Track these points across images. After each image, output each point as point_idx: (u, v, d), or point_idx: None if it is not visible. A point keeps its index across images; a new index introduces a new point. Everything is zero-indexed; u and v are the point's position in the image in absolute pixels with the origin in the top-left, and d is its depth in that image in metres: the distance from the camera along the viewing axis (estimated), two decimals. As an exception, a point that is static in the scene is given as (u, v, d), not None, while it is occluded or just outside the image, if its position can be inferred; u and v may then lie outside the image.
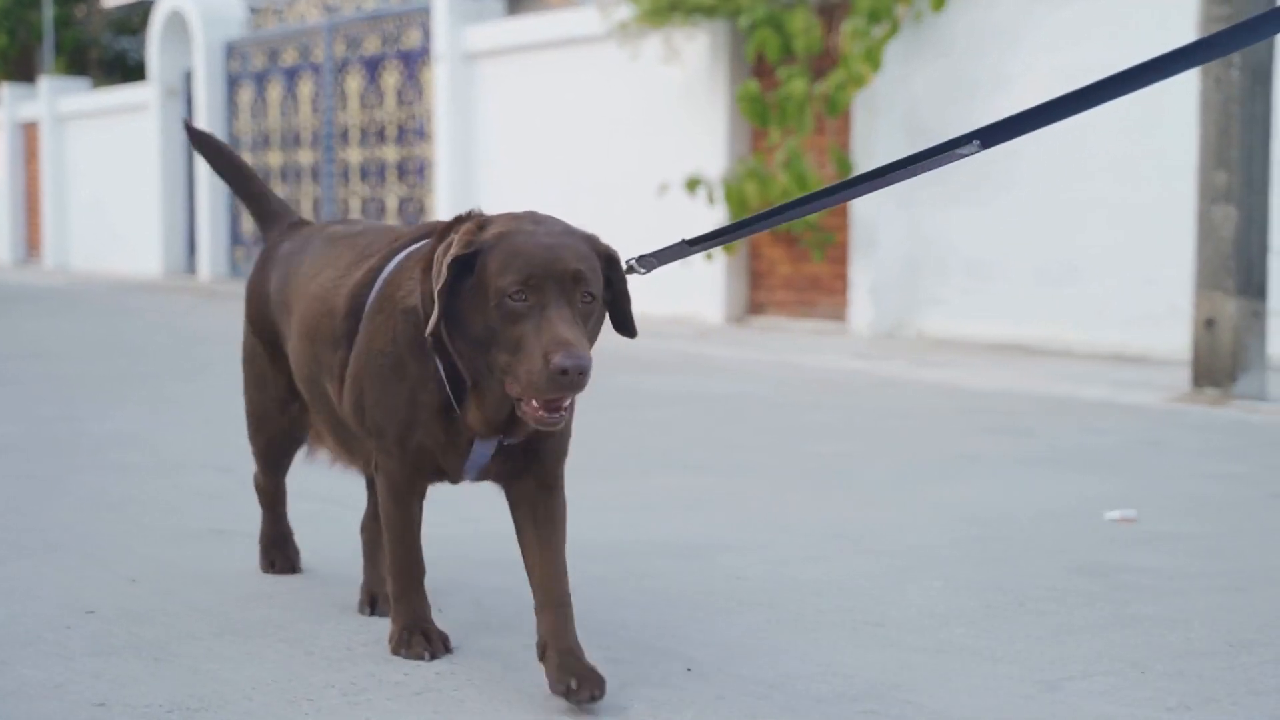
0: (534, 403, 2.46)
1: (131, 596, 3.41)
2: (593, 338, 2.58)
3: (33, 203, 25.13)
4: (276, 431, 3.46)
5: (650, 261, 2.83)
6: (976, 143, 2.53)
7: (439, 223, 2.84)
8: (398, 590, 2.91)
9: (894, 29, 10.75)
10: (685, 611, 3.31)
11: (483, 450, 2.74)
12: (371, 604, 3.26)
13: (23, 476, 4.99)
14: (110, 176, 22.14)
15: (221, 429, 6.05)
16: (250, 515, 4.37)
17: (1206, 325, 7.73)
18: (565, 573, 2.74)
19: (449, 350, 2.63)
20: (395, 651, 2.90)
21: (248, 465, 5.24)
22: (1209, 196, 7.70)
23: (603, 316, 2.63)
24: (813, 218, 11.29)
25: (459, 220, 2.68)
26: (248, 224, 19.21)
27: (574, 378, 2.38)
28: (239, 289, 17.28)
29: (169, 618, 3.22)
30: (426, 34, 15.85)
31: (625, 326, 2.72)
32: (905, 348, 10.34)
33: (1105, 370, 8.82)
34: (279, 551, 3.65)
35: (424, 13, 15.84)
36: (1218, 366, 7.69)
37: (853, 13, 10.85)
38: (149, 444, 5.74)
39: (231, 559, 3.81)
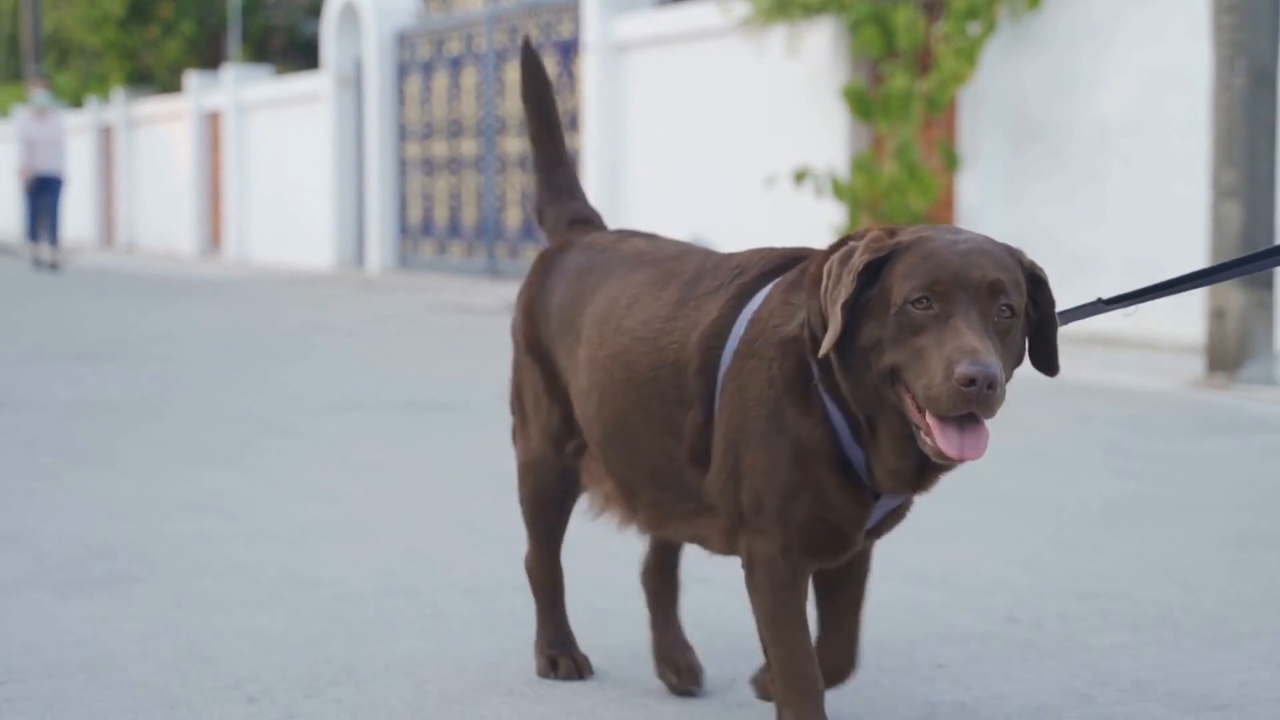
0: (935, 432, 2.43)
1: (139, 489, 5.63)
2: (1011, 361, 2.54)
3: (215, 194, 28.13)
4: (549, 477, 3.30)
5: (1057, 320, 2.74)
6: None
7: (800, 249, 2.85)
8: (797, 709, 2.73)
9: (990, 27, 12.48)
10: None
11: (882, 508, 2.72)
12: (677, 672, 3.22)
13: (102, 423, 7.27)
14: (288, 167, 24.92)
15: (274, 393, 8.33)
16: (251, 447, 6.55)
17: (1217, 315, 9.36)
18: (858, 642, 3.00)
19: (838, 380, 2.59)
20: None
21: (279, 415, 7.49)
22: (1218, 193, 9.34)
23: (1024, 339, 2.58)
24: (922, 209, 13.07)
25: (837, 246, 2.66)
26: (414, 215, 21.68)
27: (981, 390, 2.35)
28: (403, 280, 19.75)
29: (153, 500, 5.41)
30: (579, 24, 18.04)
31: (1047, 359, 2.65)
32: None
33: (1152, 360, 10.44)
34: (562, 652, 3.40)
35: (578, 3, 18.02)
36: (1226, 354, 9.31)
37: (947, 14, 12.61)
38: (213, 404, 7.99)
39: (221, 475, 5.97)
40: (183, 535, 4.85)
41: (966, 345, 2.37)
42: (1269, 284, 9.30)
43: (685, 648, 3.27)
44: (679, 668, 3.21)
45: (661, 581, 3.32)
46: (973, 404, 2.35)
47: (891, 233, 2.57)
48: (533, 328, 3.30)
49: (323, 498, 5.52)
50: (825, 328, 2.55)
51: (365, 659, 3.53)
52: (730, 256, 2.94)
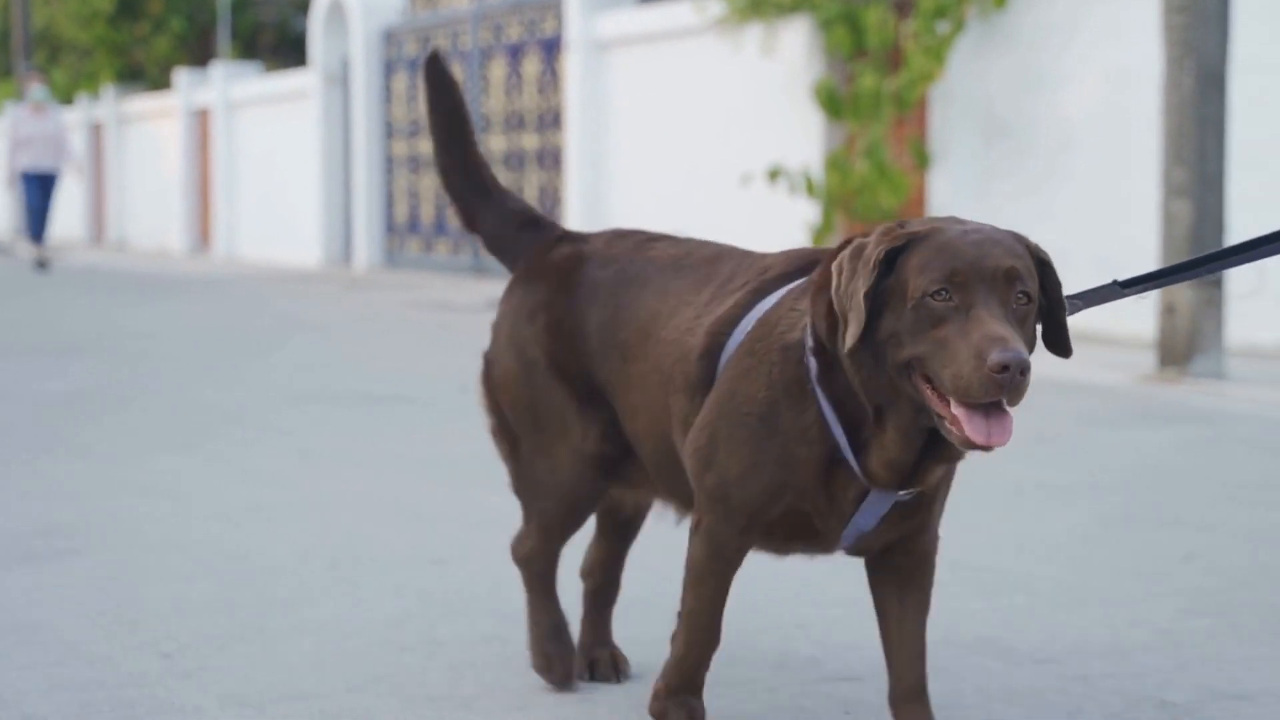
0: (962, 421, 2.49)
1: (96, 474, 6.03)
2: (1029, 347, 2.60)
3: (205, 191, 28.52)
4: (584, 495, 3.26)
5: (1075, 304, 2.83)
6: None
7: (818, 250, 2.95)
8: (684, 656, 2.98)
9: (958, 26, 12.85)
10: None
11: (874, 509, 2.76)
12: (591, 669, 3.37)
13: (75, 413, 7.69)
14: (277, 164, 25.32)
15: (245, 387, 8.75)
16: (211, 437, 6.94)
17: (1168, 311, 9.73)
18: (924, 656, 2.93)
19: (848, 374, 2.65)
20: (653, 713, 3.02)
21: (245, 407, 7.92)
22: (1168, 192, 9.71)
23: (1037, 325, 2.67)
24: (893, 207, 13.43)
25: (847, 243, 2.71)
26: (401, 213, 22.07)
27: (1014, 376, 2.42)
28: (389, 278, 20.13)
29: (107, 484, 5.80)
30: (562, 22, 18.42)
31: (1059, 342, 2.73)
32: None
33: (1109, 355, 10.80)
34: (556, 644, 3.35)
35: (560, 1, 18.39)
36: (1177, 349, 9.68)
37: (916, 13, 12.98)
38: (184, 397, 8.41)
39: (178, 462, 6.36)
40: (129, 515, 5.23)
41: (995, 333, 2.44)
42: (1218, 281, 9.66)
43: (608, 645, 3.43)
44: (594, 663, 3.37)
45: (604, 580, 3.43)
46: (1004, 390, 2.42)
47: (902, 224, 2.65)
48: (559, 347, 3.21)
49: (269, 483, 5.90)
50: (833, 326, 2.64)
51: (276, 621, 3.92)
52: (763, 256, 3.03)
